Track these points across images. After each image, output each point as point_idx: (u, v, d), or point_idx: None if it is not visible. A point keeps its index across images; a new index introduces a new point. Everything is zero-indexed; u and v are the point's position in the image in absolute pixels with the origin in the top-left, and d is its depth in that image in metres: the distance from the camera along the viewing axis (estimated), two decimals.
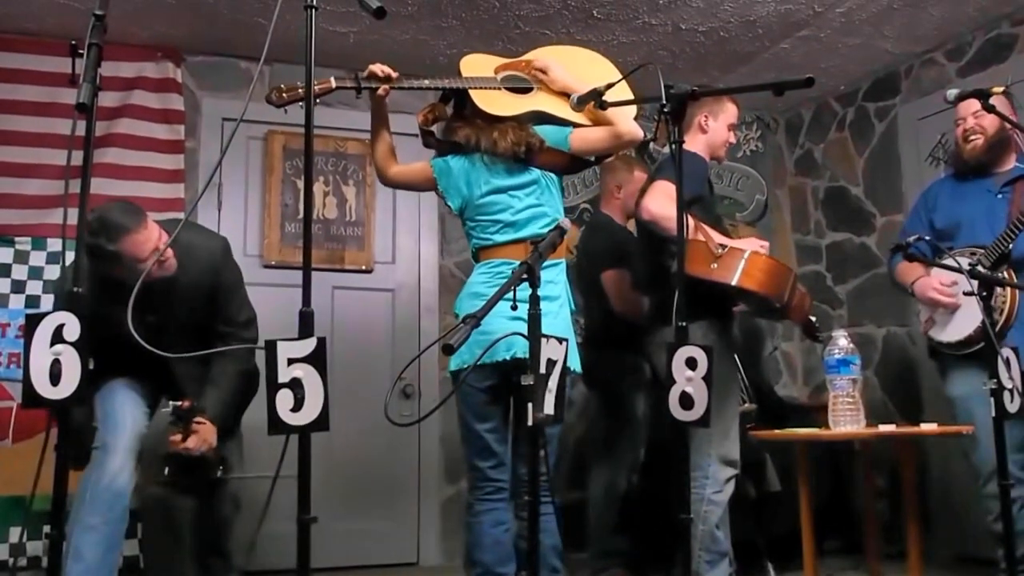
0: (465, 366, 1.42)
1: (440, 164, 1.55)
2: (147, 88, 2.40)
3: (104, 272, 1.47)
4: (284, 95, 1.42)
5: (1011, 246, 1.70)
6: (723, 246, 1.55)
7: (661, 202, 1.59)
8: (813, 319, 1.74)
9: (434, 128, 1.56)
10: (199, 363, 1.64)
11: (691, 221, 1.57)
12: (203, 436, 1.55)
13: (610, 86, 1.49)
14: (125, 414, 1.60)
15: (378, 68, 1.49)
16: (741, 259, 1.53)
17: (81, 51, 0.98)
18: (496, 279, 1.46)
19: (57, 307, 1.61)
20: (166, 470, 1.57)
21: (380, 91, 1.49)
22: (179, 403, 1.52)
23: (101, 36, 0.97)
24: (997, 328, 1.67)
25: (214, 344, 1.61)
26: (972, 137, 1.83)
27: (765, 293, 1.55)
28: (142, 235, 1.53)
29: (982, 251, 1.72)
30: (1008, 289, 1.67)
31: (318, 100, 1.38)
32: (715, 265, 1.51)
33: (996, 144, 1.81)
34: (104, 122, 2.27)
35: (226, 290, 1.69)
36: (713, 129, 1.79)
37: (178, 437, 1.53)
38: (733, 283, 1.52)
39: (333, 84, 1.42)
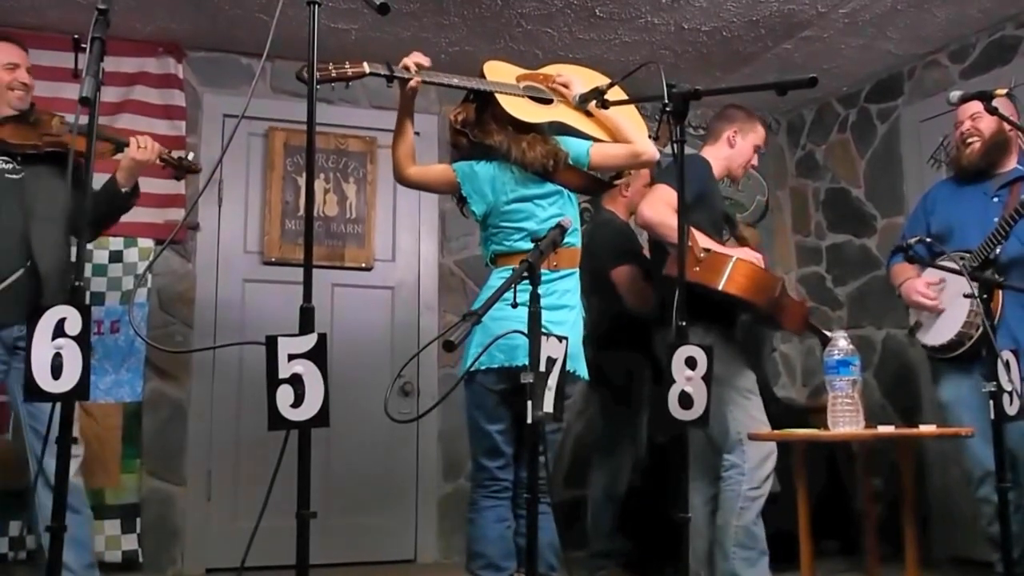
0: (483, 368, 1.42)
1: (465, 168, 1.54)
2: (148, 84, 2.40)
3: None
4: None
5: (997, 250, 1.67)
6: (707, 250, 1.57)
7: (657, 208, 1.62)
8: (828, 334, 1.73)
9: (463, 129, 1.55)
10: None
11: None
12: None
13: (612, 84, 1.50)
14: None
15: (411, 61, 1.48)
16: (728, 264, 1.56)
17: (84, 45, 0.98)
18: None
19: None
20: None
21: (412, 83, 1.47)
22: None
23: (104, 30, 0.97)
24: (980, 331, 1.67)
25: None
26: (970, 140, 1.81)
27: (749, 299, 1.58)
28: (13, 49, 1.57)
29: (969, 255, 1.70)
30: (993, 292, 1.64)
31: (348, 84, 1.40)
32: (697, 268, 1.55)
33: (994, 147, 1.79)
34: (105, 117, 2.27)
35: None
36: (739, 147, 1.82)
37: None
38: (719, 287, 1.54)
39: (367, 69, 1.41)
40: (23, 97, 1.63)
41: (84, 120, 1.60)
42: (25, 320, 1.49)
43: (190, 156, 1.78)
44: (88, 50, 0.96)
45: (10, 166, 1.60)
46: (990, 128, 1.78)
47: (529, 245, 1.46)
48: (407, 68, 1.47)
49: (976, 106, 1.75)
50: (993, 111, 1.58)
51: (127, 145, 1.64)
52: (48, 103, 2.29)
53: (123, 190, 1.65)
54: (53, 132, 1.62)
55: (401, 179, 1.59)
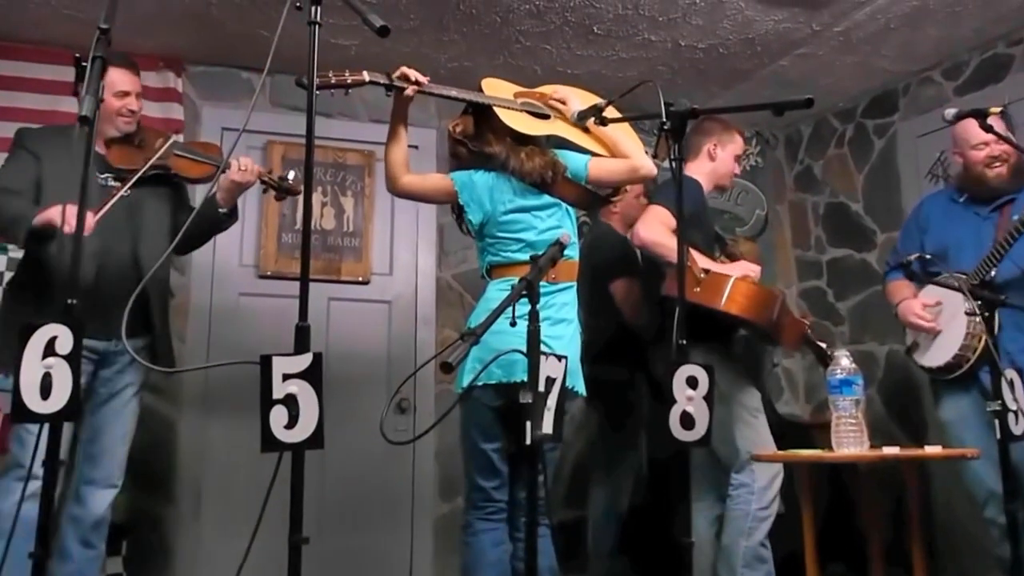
0: (480, 383, 1.40)
1: (463, 177, 1.54)
2: (148, 97, 2.40)
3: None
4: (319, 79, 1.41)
5: (993, 272, 1.66)
6: (707, 271, 1.58)
7: (654, 228, 1.65)
8: (824, 346, 1.73)
9: (463, 140, 1.56)
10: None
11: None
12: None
13: (611, 102, 1.51)
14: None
15: (412, 72, 1.49)
16: (727, 285, 1.57)
17: (84, 63, 0.97)
18: None
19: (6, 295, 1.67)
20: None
21: (408, 91, 1.48)
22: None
23: (106, 49, 0.97)
24: (976, 353, 1.67)
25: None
26: (996, 165, 1.79)
27: (749, 318, 1.59)
28: (127, 77, 1.60)
29: (965, 277, 1.68)
30: (993, 311, 1.62)
31: (347, 93, 1.41)
32: (698, 289, 1.56)
33: (1019, 170, 1.78)
34: None
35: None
36: (720, 158, 1.85)
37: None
38: (720, 307, 1.56)
39: (366, 77, 1.42)
40: (130, 122, 1.67)
41: (182, 139, 1.66)
42: (128, 336, 1.54)
43: (291, 177, 1.74)
44: (89, 68, 0.95)
45: (119, 184, 1.64)
46: (1013, 151, 1.77)
47: (525, 257, 1.45)
48: (406, 76, 1.48)
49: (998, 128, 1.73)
50: (988, 128, 1.59)
51: (228, 167, 1.66)
52: (47, 116, 2.31)
53: (221, 210, 1.67)
54: (155, 153, 1.64)
55: (395, 188, 1.56)
